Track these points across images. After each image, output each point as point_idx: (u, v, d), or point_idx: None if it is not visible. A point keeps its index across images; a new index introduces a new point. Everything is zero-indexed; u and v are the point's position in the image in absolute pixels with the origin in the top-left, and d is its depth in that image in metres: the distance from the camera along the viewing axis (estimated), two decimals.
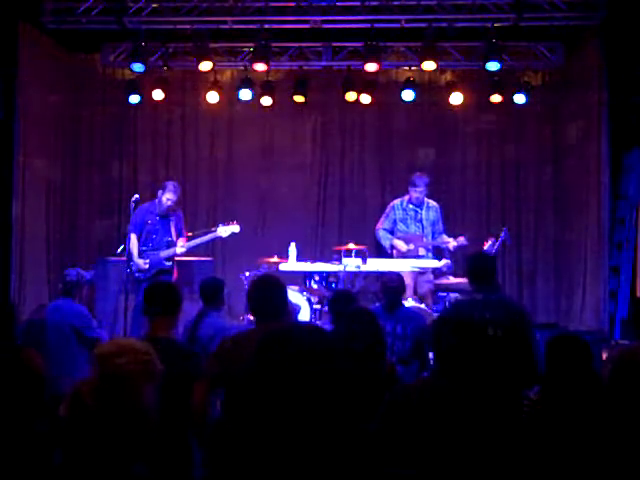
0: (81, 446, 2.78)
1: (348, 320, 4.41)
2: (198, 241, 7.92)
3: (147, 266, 7.61)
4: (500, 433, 2.84)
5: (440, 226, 8.51)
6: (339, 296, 5.74)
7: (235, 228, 7.93)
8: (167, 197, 7.76)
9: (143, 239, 7.76)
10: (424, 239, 8.33)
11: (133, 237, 7.75)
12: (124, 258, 7.60)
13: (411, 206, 8.41)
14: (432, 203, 8.51)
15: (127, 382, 2.81)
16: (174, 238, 7.78)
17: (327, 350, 2.31)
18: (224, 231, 7.89)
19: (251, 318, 8.24)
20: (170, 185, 7.86)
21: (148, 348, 3.02)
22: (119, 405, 2.79)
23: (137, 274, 7.62)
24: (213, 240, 8.14)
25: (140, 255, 7.68)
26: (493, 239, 7.89)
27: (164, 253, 7.69)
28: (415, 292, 8.00)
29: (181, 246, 7.76)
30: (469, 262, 5.22)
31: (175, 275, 7.84)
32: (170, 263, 7.76)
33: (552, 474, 2.91)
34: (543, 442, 2.92)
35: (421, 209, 8.41)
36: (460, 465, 2.79)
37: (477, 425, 2.83)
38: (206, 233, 7.99)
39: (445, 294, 8.07)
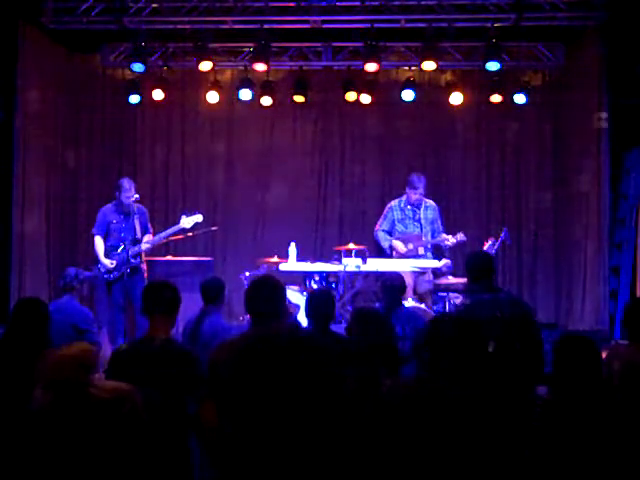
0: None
1: (361, 320, 4.39)
2: (163, 235, 7.84)
3: (113, 266, 7.55)
4: (508, 432, 2.83)
5: (439, 225, 8.50)
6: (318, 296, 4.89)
7: (198, 218, 7.88)
8: (125, 195, 7.66)
9: (110, 239, 7.73)
10: (423, 238, 8.34)
11: (98, 239, 7.75)
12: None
13: (409, 206, 8.42)
14: (430, 202, 8.51)
15: (54, 384, 2.91)
16: (139, 235, 7.66)
17: (314, 354, 2.29)
18: (187, 222, 7.83)
19: None
20: (124, 182, 7.80)
21: (85, 353, 3.07)
22: (57, 403, 2.90)
23: (105, 275, 7.58)
24: (180, 232, 7.93)
25: (107, 256, 7.66)
26: (493, 239, 7.90)
27: (131, 251, 7.59)
28: (415, 292, 8.00)
29: (146, 242, 7.68)
30: (468, 260, 5.06)
31: (146, 274, 7.77)
32: (137, 260, 7.64)
33: (562, 474, 2.91)
34: (555, 441, 2.92)
35: (419, 209, 8.42)
36: (464, 463, 2.79)
37: (479, 424, 2.83)
38: (170, 227, 7.93)
39: (445, 294, 8.07)
